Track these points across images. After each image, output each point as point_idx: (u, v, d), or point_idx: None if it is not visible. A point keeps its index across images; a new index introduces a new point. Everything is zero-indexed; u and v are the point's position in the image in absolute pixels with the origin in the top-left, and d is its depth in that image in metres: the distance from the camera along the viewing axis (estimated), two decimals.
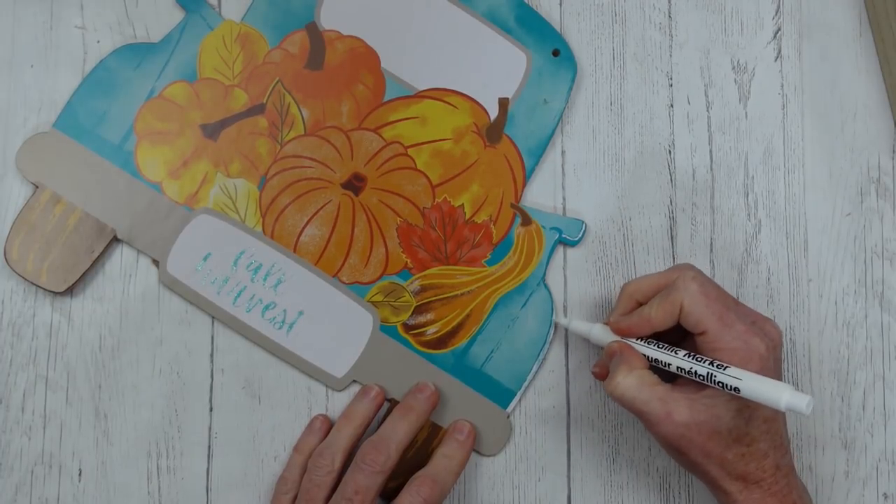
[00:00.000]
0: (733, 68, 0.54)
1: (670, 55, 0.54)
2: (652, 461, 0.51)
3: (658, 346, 0.45)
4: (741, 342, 0.43)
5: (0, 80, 0.51)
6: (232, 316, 0.50)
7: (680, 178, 0.53)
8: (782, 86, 0.54)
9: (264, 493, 0.50)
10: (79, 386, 0.50)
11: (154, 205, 0.50)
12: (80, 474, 0.50)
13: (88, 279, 0.51)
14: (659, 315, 0.44)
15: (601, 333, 0.48)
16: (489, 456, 0.51)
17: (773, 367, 0.43)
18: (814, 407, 0.45)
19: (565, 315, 0.51)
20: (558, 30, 0.53)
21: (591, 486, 0.51)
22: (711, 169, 0.53)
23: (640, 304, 0.46)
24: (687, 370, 0.43)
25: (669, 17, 0.54)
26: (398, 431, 0.47)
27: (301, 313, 0.50)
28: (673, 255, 0.52)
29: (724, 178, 0.53)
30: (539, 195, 0.52)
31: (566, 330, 0.51)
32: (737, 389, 0.41)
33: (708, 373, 0.42)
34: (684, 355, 0.44)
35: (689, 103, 0.53)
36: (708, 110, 0.53)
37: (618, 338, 0.47)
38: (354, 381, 0.51)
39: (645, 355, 0.45)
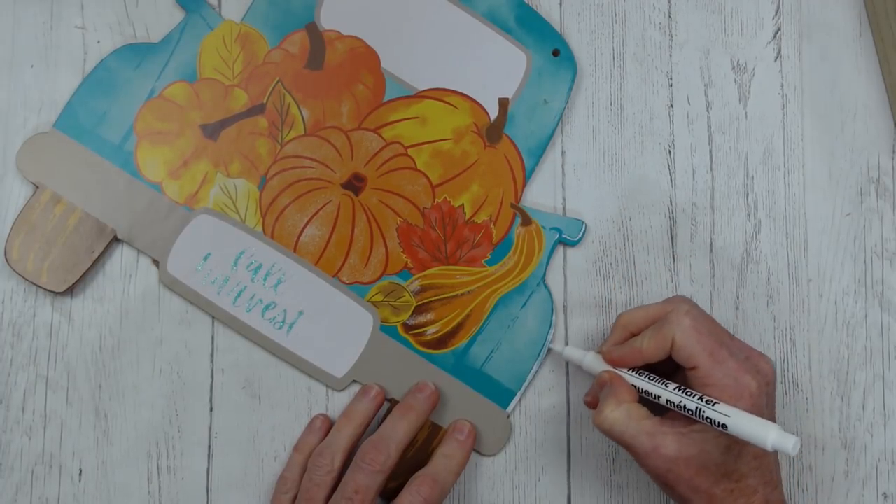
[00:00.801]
0: (733, 68, 0.54)
1: (670, 55, 0.54)
2: None
3: (649, 378, 0.45)
4: (732, 379, 0.43)
5: (0, 80, 0.51)
6: (232, 316, 0.50)
7: (680, 178, 0.53)
8: (782, 86, 0.54)
9: (264, 493, 0.50)
10: (79, 386, 0.50)
11: (154, 205, 0.50)
12: (80, 474, 0.50)
13: (88, 279, 0.51)
14: (650, 348, 0.44)
15: (593, 362, 0.47)
16: (489, 456, 0.51)
17: (764, 405, 0.43)
18: (800, 447, 0.45)
19: (566, 343, 0.51)
20: (558, 30, 0.53)
21: (591, 486, 0.51)
22: (711, 169, 0.53)
23: (634, 335, 0.46)
24: (676, 404, 0.43)
25: (669, 17, 0.54)
26: (398, 431, 0.47)
27: (301, 313, 0.50)
28: (673, 255, 0.52)
29: (724, 178, 0.53)
30: (539, 195, 0.52)
31: (561, 356, 0.51)
32: (724, 426, 0.41)
33: (697, 408, 0.42)
34: (674, 388, 0.44)
35: (689, 103, 0.53)
36: (708, 110, 0.53)
37: (609, 367, 0.46)
38: (354, 381, 0.51)
39: (635, 386, 0.45)
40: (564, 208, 0.52)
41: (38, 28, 0.52)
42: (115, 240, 0.50)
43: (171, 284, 0.50)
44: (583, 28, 0.53)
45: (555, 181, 0.53)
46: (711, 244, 0.53)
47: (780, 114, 0.54)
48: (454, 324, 0.51)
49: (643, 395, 0.45)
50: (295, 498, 0.48)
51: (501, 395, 0.51)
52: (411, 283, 0.51)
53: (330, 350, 0.51)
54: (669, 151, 0.53)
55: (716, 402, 0.42)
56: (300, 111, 0.51)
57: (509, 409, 0.51)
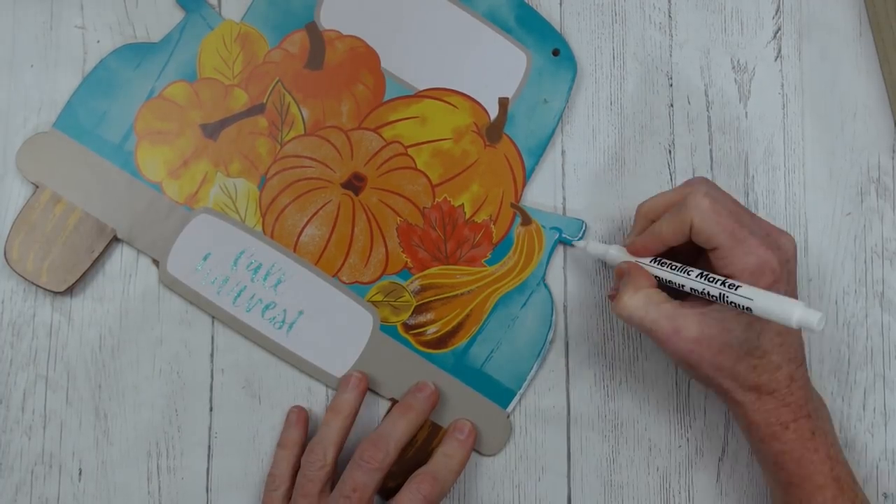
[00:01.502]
0: (733, 68, 0.54)
1: (670, 55, 0.54)
2: (652, 461, 0.51)
3: (671, 268, 0.45)
4: (753, 256, 0.42)
5: (0, 80, 0.51)
6: (232, 316, 0.50)
7: (680, 178, 0.53)
8: (782, 85, 0.54)
9: None
10: (79, 386, 0.50)
11: (154, 205, 0.50)
12: (80, 474, 0.50)
13: (88, 279, 0.51)
14: (669, 232, 0.44)
15: (617, 254, 0.47)
16: (489, 455, 0.51)
17: (785, 280, 0.43)
18: (825, 323, 0.45)
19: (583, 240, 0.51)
20: (558, 30, 0.53)
21: (591, 486, 0.51)
22: (711, 169, 0.53)
23: (654, 223, 0.46)
24: (700, 291, 0.43)
25: (669, 16, 0.54)
26: (397, 429, 0.47)
27: (301, 313, 0.50)
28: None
29: (725, 177, 0.53)
30: (539, 195, 0.52)
31: (584, 251, 0.50)
32: (749, 309, 0.41)
33: (720, 293, 0.42)
34: (697, 275, 0.43)
35: (689, 103, 0.53)
36: (708, 110, 0.53)
37: (630, 258, 0.46)
38: None
39: (657, 277, 0.45)
40: (564, 208, 0.52)
41: (38, 28, 0.52)
42: (115, 239, 0.50)
43: (171, 284, 0.50)
44: (583, 28, 0.53)
45: (555, 181, 0.53)
46: None
47: (780, 113, 0.54)
48: (454, 323, 0.51)
49: (667, 284, 0.45)
50: (286, 495, 0.48)
51: (501, 394, 0.51)
52: (411, 282, 0.51)
53: (330, 350, 0.50)
54: (669, 151, 0.53)
55: (738, 286, 0.41)
56: (300, 111, 0.51)
57: (509, 408, 0.51)
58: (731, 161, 0.53)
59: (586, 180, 0.53)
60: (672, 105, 0.53)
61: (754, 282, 0.42)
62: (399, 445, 0.47)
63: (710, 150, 0.53)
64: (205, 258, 0.50)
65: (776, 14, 0.54)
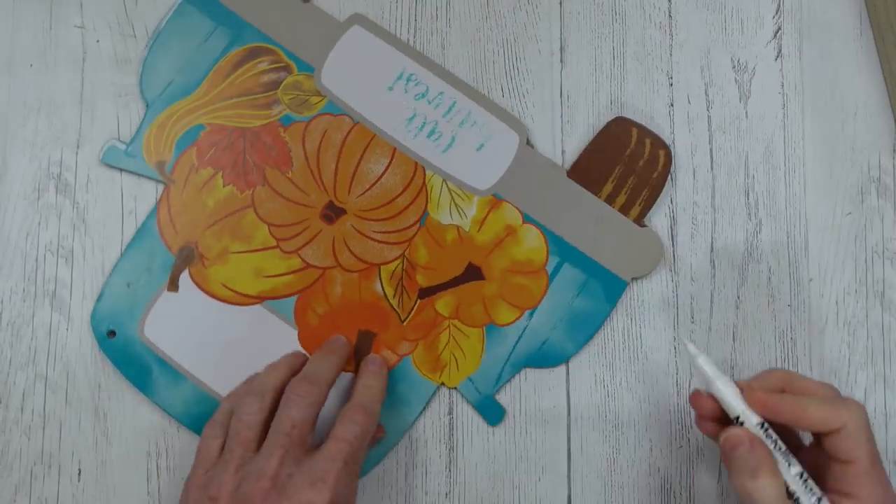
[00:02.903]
0: (733, 67, 0.54)
1: (670, 54, 0.54)
2: (653, 461, 0.51)
3: (776, 446, 0.42)
4: (882, 489, 0.41)
5: (0, 80, 0.51)
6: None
7: (680, 178, 0.53)
8: (783, 85, 0.54)
9: None
10: (78, 386, 0.50)
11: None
12: (79, 474, 0.50)
13: (88, 279, 0.51)
14: (818, 415, 0.41)
15: (728, 391, 0.43)
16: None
17: None
18: None
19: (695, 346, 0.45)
20: (558, 29, 0.53)
21: (592, 486, 0.51)
22: (712, 168, 0.53)
23: (784, 393, 0.43)
24: (790, 492, 0.41)
25: (669, 16, 0.54)
26: (323, 367, 0.46)
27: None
28: (674, 255, 0.52)
29: (725, 177, 0.53)
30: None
31: (692, 359, 0.45)
32: None
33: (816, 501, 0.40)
34: (797, 473, 0.41)
35: (689, 103, 0.53)
36: (708, 110, 0.53)
37: (745, 411, 0.42)
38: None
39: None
40: None
41: (38, 28, 0.52)
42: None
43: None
44: (583, 27, 0.53)
45: None
46: (712, 244, 0.53)
47: (780, 113, 0.54)
48: None
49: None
50: (223, 444, 0.45)
51: None
52: None
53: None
54: (670, 151, 0.53)
55: None
56: None
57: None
58: (731, 161, 0.53)
59: None
60: (672, 104, 0.53)
61: None
62: (329, 382, 0.46)
63: (710, 150, 0.53)
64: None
65: (776, 14, 0.54)
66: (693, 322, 0.52)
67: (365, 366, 0.49)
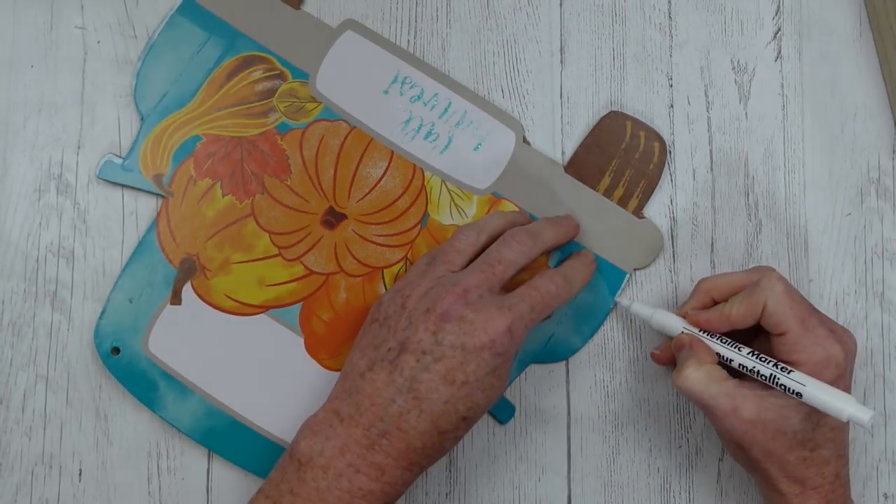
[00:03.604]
0: (733, 68, 0.54)
1: (670, 55, 0.54)
2: (652, 461, 0.51)
3: (722, 342, 0.45)
4: (820, 347, 0.43)
5: (0, 80, 0.51)
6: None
7: (680, 179, 0.53)
8: (782, 86, 0.54)
9: None
10: (79, 386, 0.50)
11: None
12: (80, 474, 0.50)
13: (87, 278, 0.51)
14: (740, 313, 0.44)
15: (665, 319, 0.48)
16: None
17: (846, 378, 0.43)
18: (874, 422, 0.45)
19: (627, 297, 0.51)
20: (558, 29, 0.53)
21: (592, 486, 0.51)
22: (712, 169, 0.53)
23: (715, 302, 0.47)
24: (749, 368, 0.44)
25: (669, 17, 0.54)
26: (546, 232, 0.47)
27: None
28: (673, 255, 0.52)
29: (725, 178, 0.53)
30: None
31: (626, 311, 0.50)
32: (798, 394, 0.41)
33: (771, 374, 0.43)
34: (748, 353, 0.44)
35: (689, 104, 0.53)
36: (708, 110, 0.53)
37: (686, 326, 0.47)
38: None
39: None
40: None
41: (38, 28, 0.52)
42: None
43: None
44: (583, 28, 0.53)
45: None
46: (712, 244, 0.53)
47: (780, 114, 0.54)
48: None
49: (722, 361, 0.45)
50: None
51: None
52: None
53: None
54: (670, 151, 0.53)
55: (791, 370, 0.42)
56: None
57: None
58: (731, 161, 0.53)
59: None
60: (672, 105, 0.53)
61: (817, 374, 0.42)
62: (546, 245, 0.47)
63: (710, 151, 0.53)
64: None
65: (776, 15, 0.54)
66: None
67: (578, 254, 0.50)
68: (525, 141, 0.52)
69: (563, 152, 0.53)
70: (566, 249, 0.51)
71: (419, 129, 0.51)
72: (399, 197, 0.51)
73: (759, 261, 0.52)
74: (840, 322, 0.52)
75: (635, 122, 0.52)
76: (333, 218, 0.50)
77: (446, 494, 0.51)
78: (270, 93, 0.51)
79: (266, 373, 0.49)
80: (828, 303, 0.53)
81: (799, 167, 0.53)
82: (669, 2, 0.54)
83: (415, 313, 0.43)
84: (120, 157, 0.50)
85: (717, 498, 0.52)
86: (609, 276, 0.51)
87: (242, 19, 0.51)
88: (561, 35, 0.53)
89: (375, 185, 0.51)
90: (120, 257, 0.51)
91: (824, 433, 0.43)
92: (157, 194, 0.50)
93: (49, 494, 0.50)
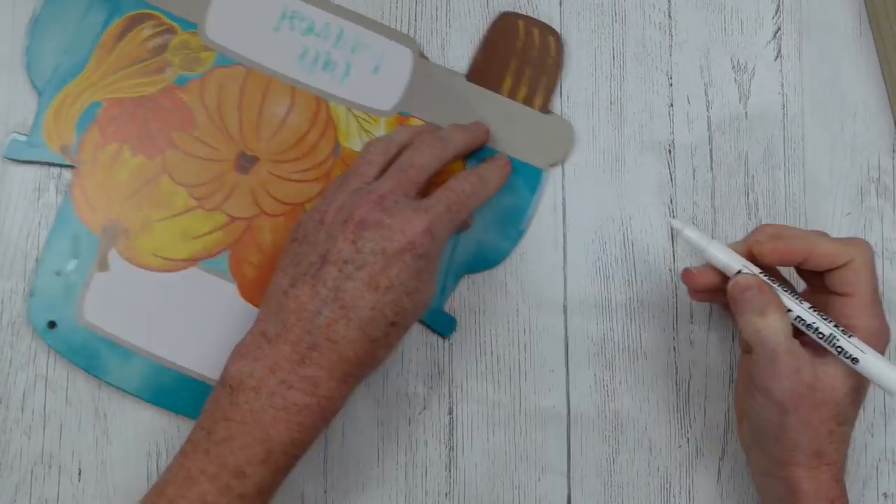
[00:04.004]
0: (733, 68, 0.54)
1: (670, 55, 0.54)
2: (652, 461, 0.51)
3: (784, 289, 0.44)
4: (878, 320, 0.43)
5: (0, 80, 0.51)
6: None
7: (680, 178, 0.53)
8: (782, 85, 0.54)
9: None
10: (78, 386, 0.50)
11: None
12: (79, 474, 0.50)
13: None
14: (827, 251, 0.43)
15: (720, 253, 0.44)
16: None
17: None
18: None
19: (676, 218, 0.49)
20: (558, 30, 0.53)
21: (592, 486, 0.51)
22: (711, 169, 0.53)
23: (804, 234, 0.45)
24: (809, 323, 0.43)
25: (669, 16, 0.54)
26: (458, 134, 0.48)
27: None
28: (673, 255, 0.52)
29: (725, 177, 0.53)
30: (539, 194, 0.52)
31: (677, 234, 0.46)
32: (855, 360, 0.41)
33: (831, 334, 0.42)
34: (810, 307, 0.43)
35: (689, 103, 0.53)
36: (708, 110, 0.53)
37: (745, 265, 0.44)
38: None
39: None
40: (564, 208, 0.52)
41: None
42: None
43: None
44: (583, 27, 0.53)
45: (555, 181, 0.53)
46: None
47: (780, 113, 0.54)
48: None
49: None
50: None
51: None
52: None
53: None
54: (669, 151, 0.53)
55: (851, 335, 0.42)
56: None
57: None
58: (731, 161, 0.53)
59: (586, 180, 0.53)
60: (672, 105, 0.53)
61: (873, 344, 0.42)
62: (456, 149, 0.47)
63: (710, 150, 0.53)
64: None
65: (776, 14, 0.54)
66: (692, 322, 0.52)
67: (492, 158, 0.50)
68: (423, 56, 0.52)
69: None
70: (480, 156, 0.51)
71: (316, 60, 0.51)
72: (307, 131, 0.51)
73: None
74: None
75: (527, 19, 0.52)
76: (246, 162, 0.50)
77: (446, 494, 0.51)
78: (162, 48, 0.51)
79: (204, 323, 0.49)
80: None
81: (799, 166, 0.53)
82: (669, 1, 0.54)
83: (333, 226, 0.43)
84: (24, 134, 0.50)
85: (717, 498, 0.51)
86: (526, 176, 0.52)
87: None
88: (561, 35, 0.53)
89: (282, 124, 0.51)
90: (38, 233, 0.50)
91: (855, 411, 0.43)
92: (68, 165, 0.50)
93: (48, 494, 0.50)
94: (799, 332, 0.44)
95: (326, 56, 0.51)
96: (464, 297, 0.52)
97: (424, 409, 0.51)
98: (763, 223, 0.47)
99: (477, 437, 0.51)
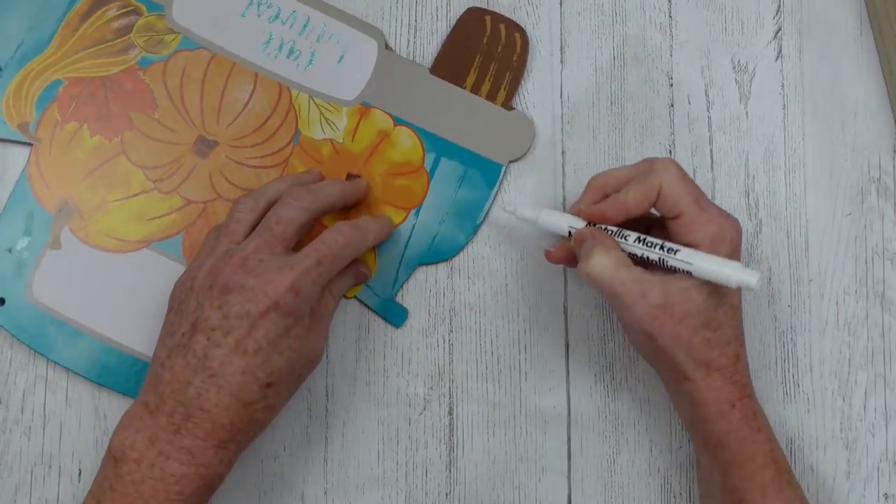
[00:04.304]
0: (734, 68, 0.54)
1: (671, 55, 0.54)
2: (653, 461, 0.51)
3: (608, 230, 0.46)
4: (715, 225, 0.43)
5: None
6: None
7: None
8: (783, 85, 0.54)
9: (264, 493, 0.50)
10: (78, 386, 0.50)
11: None
12: (79, 474, 0.50)
13: None
14: (637, 198, 0.44)
15: (551, 217, 0.47)
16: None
17: (739, 255, 0.44)
18: (763, 284, 0.45)
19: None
20: (558, 30, 0.53)
21: (592, 486, 0.51)
22: (712, 169, 0.53)
23: (608, 196, 0.46)
24: (639, 255, 0.44)
25: (670, 16, 0.54)
26: (328, 185, 0.47)
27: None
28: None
29: (725, 177, 0.53)
30: (539, 195, 0.52)
31: (513, 216, 0.50)
32: (689, 272, 0.42)
33: (660, 258, 0.43)
34: (635, 240, 0.44)
35: (689, 103, 0.53)
36: (708, 110, 0.53)
37: (571, 225, 0.47)
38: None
39: None
40: (564, 208, 0.52)
41: None
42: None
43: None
44: (583, 28, 0.53)
45: (555, 181, 0.53)
46: None
47: (780, 113, 0.54)
48: None
49: None
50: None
51: None
52: None
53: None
54: (670, 151, 0.53)
55: (677, 250, 0.43)
56: None
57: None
58: (731, 161, 0.53)
59: (586, 180, 0.52)
60: (672, 105, 0.53)
61: (714, 250, 0.43)
62: (329, 198, 0.47)
63: (710, 150, 0.53)
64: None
65: (776, 14, 0.54)
66: None
67: (378, 214, 0.50)
68: (388, 47, 0.52)
69: (563, 152, 0.53)
70: (442, 150, 0.51)
71: (280, 48, 0.51)
72: (268, 118, 0.51)
73: (760, 261, 0.52)
74: (840, 322, 0.52)
75: (494, 15, 0.52)
76: (205, 146, 0.51)
77: (446, 494, 0.51)
78: (128, 29, 0.51)
79: (154, 305, 0.49)
80: (828, 303, 0.52)
81: (799, 167, 0.53)
82: (670, 1, 0.54)
83: (201, 292, 0.43)
84: None
85: None
86: (486, 171, 0.52)
87: None
88: (561, 34, 0.53)
89: (243, 109, 0.51)
90: None
91: (725, 312, 0.44)
92: (25, 143, 0.50)
93: (48, 494, 0.50)
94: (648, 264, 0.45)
95: (291, 44, 0.51)
96: (464, 297, 0.52)
97: (425, 409, 0.51)
98: (593, 175, 0.47)
99: (477, 437, 0.51)
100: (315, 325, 0.45)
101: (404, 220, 0.51)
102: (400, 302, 0.51)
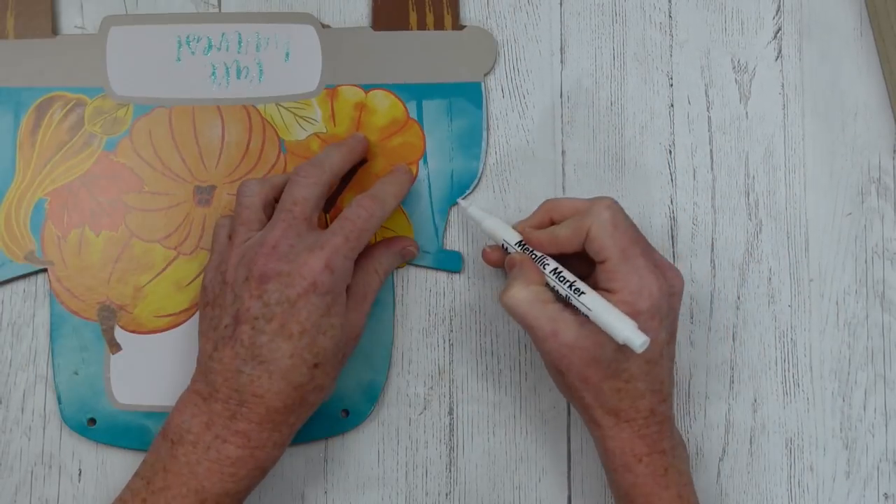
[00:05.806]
0: (734, 68, 0.54)
1: (671, 55, 0.54)
2: None
3: (533, 255, 0.46)
4: (636, 277, 0.43)
5: None
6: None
7: (680, 178, 0.53)
8: (783, 85, 0.54)
9: (264, 493, 0.50)
10: None
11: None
12: (79, 474, 0.50)
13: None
14: (567, 235, 0.45)
15: (495, 227, 0.48)
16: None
17: (665, 314, 0.44)
18: (647, 348, 0.42)
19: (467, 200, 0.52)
20: (558, 30, 0.53)
21: (592, 486, 0.51)
22: (712, 169, 0.53)
23: (554, 223, 0.47)
24: (551, 287, 0.45)
25: (670, 16, 0.54)
26: (332, 154, 0.48)
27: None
28: (673, 255, 0.52)
29: (725, 177, 0.53)
30: (539, 195, 0.52)
31: (465, 211, 0.50)
32: (588, 317, 0.43)
33: (566, 294, 0.44)
34: (551, 271, 0.45)
35: (689, 103, 0.53)
36: (708, 110, 0.53)
37: (507, 240, 0.47)
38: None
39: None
40: None
41: None
42: None
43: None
44: (583, 28, 0.53)
45: (555, 181, 0.53)
46: (712, 244, 0.53)
47: (780, 113, 0.54)
48: None
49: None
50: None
51: None
52: None
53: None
54: (670, 151, 0.53)
55: (584, 292, 0.43)
56: None
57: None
58: (731, 161, 0.53)
59: (586, 180, 0.53)
60: (672, 105, 0.53)
61: (632, 302, 0.43)
62: (334, 168, 0.47)
63: (710, 150, 0.53)
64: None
65: (776, 14, 0.54)
66: (693, 322, 0.52)
67: (391, 170, 0.50)
68: (324, 26, 0.52)
69: (563, 152, 0.53)
70: (419, 94, 0.52)
71: (227, 73, 0.51)
72: (249, 142, 0.51)
73: (761, 261, 0.52)
74: (840, 322, 0.52)
75: None
76: (205, 194, 0.51)
77: (446, 494, 0.51)
78: (80, 123, 0.50)
79: None
80: (828, 302, 0.52)
81: (799, 167, 0.53)
82: (670, 1, 0.54)
83: (237, 285, 0.43)
84: None
85: (717, 498, 0.51)
86: (468, 94, 0.52)
87: (12, 75, 0.50)
88: (561, 34, 0.53)
89: (222, 145, 0.51)
90: (48, 356, 0.50)
91: (639, 366, 0.43)
92: (41, 269, 0.50)
93: (48, 494, 0.50)
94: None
95: (236, 65, 0.51)
96: (464, 297, 0.52)
97: (425, 409, 0.51)
98: (547, 199, 0.48)
99: (477, 437, 0.51)
100: (357, 304, 0.46)
101: (416, 173, 0.51)
102: (449, 248, 0.52)
